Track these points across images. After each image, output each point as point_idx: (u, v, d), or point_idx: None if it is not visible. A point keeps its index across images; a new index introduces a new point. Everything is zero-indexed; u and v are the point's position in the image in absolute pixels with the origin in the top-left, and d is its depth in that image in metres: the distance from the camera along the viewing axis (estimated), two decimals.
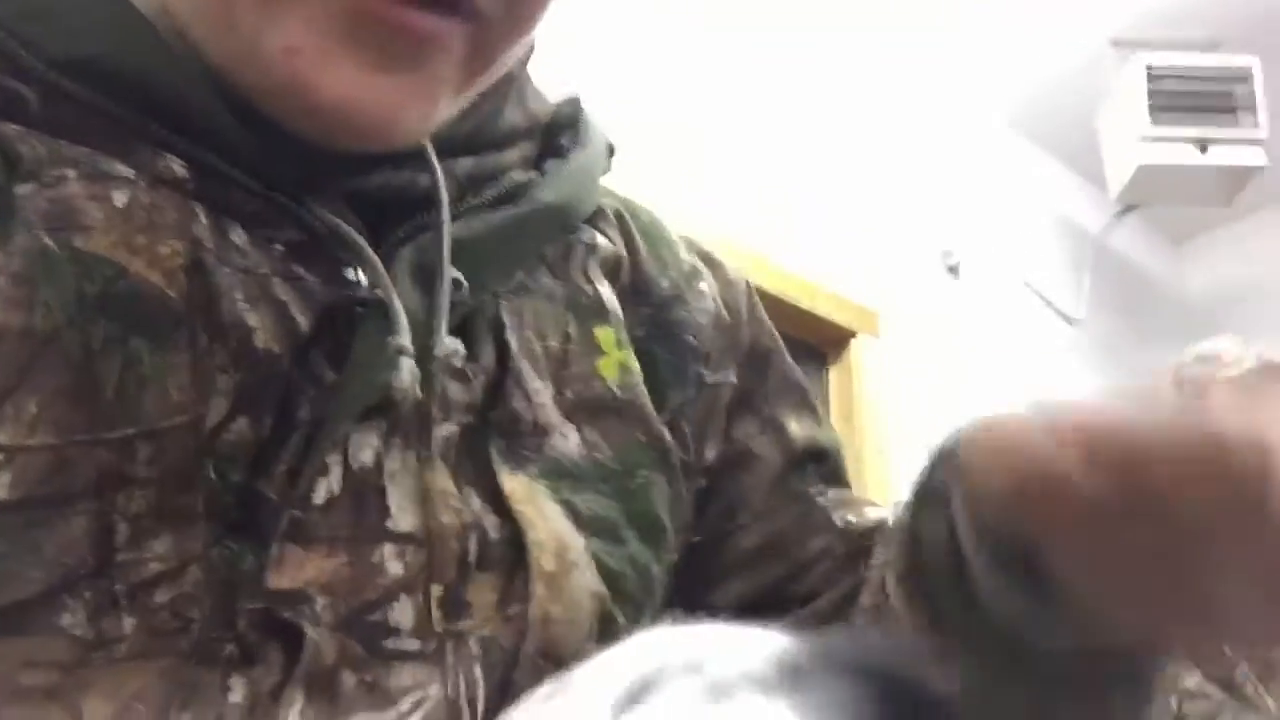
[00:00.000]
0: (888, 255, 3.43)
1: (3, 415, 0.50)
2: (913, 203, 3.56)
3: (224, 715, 0.50)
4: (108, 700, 0.49)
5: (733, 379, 0.78)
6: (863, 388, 3.28)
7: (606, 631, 0.62)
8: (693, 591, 0.75)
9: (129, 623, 0.50)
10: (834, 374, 3.34)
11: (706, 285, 0.79)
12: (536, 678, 0.56)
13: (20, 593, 0.49)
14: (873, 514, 0.77)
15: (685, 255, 0.80)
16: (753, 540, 0.77)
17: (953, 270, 3.64)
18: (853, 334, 3.31)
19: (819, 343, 3.30)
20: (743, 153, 3.06)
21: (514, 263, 0.69)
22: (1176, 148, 3.47)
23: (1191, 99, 3.48)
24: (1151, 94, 3.49)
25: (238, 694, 0.51)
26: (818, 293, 3.20)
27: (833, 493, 0.80)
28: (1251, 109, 3.44)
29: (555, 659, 0.58)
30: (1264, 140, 3.44)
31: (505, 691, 0.56)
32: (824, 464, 0.81)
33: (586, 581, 0.61)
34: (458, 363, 0.62)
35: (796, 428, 0.81)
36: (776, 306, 3.17)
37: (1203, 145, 3.44)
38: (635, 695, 0.42)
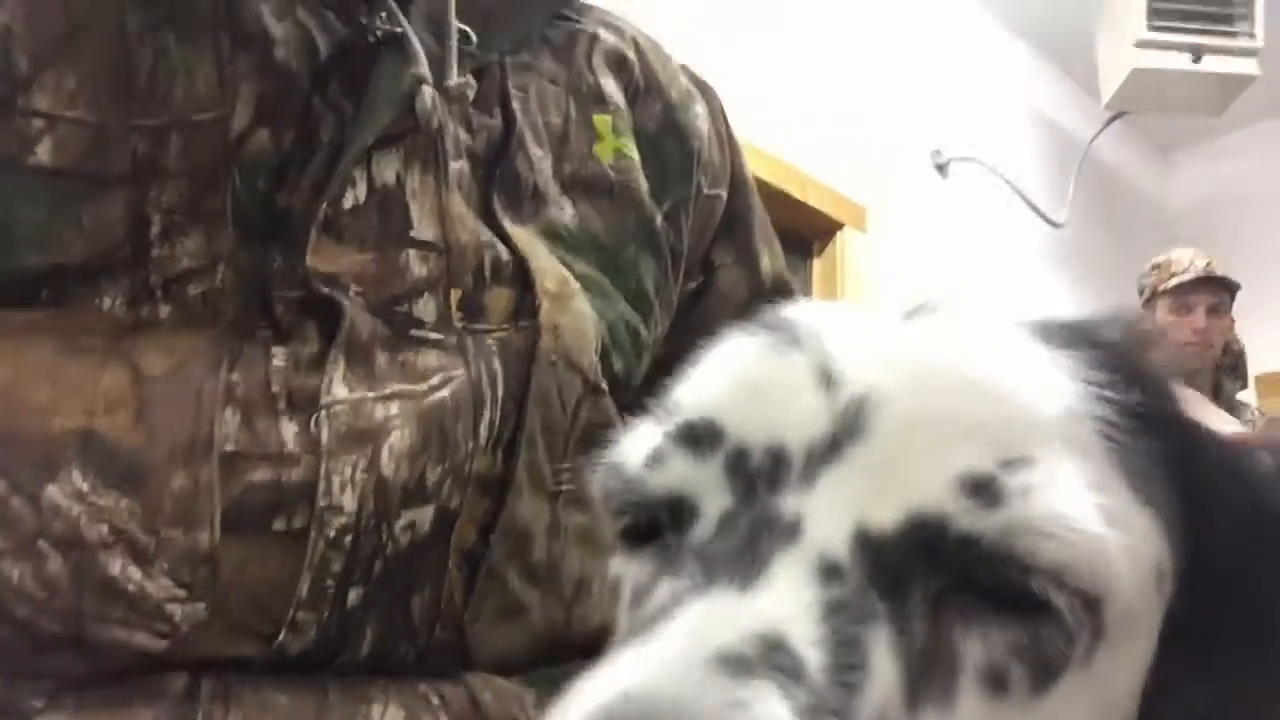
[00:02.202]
0: (878, 151, 3.44)
1: (44, 83, 0.56)
2: (904, 100, 3.56)
3: (270, 375, 0.57)
4: (164, 357, 0.55)
5: (724, 198, 0.84)
6: (846, 281, 3.34)
7: (606, 369, 0.69)
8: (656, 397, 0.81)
9: (165, 310, 0.57)
10: (818, 265, 3.39)
11: (702, 108, 0.85)
12: (553, 376, 0.64)
13: (62, 256, 0.56)
14: None
15: (684, 78, 0.86)
16: None
17: (941, 169, 3.67)
18: (840, 226, 3.35)
19: (806, 233, 3.34)
20: (737, 42, 3.05)
21: (519, 26, 0.74)
22: (1171, 55, 3.47)
23: (1189, 4, 3.47)
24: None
25: (280, 359, 0.57)
26: (808, 183, 3.23)
27: None
28: (1248, 18, 3.44)
29: (569, 362, 0.65)
30: (1258, 50, 3.45)
31: (525, 385, 0.63)
32: (787, 296, 0.88)
33: (587, 308, 0.68)
34: (470, 93, 0.67)
35: (768, 262, 0.88)
36: (766, 194, 3.17)
37: (1197, 53, 3.45)
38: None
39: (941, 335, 0.43)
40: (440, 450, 0.59)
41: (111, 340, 0.56)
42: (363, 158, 0.61)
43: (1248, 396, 3.37)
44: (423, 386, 0.59)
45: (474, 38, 0.69)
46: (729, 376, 0.44)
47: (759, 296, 0.86)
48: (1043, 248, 3.86)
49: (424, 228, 0.63)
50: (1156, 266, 3.18)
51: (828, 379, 0.41)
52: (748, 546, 0.38)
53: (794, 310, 0.46)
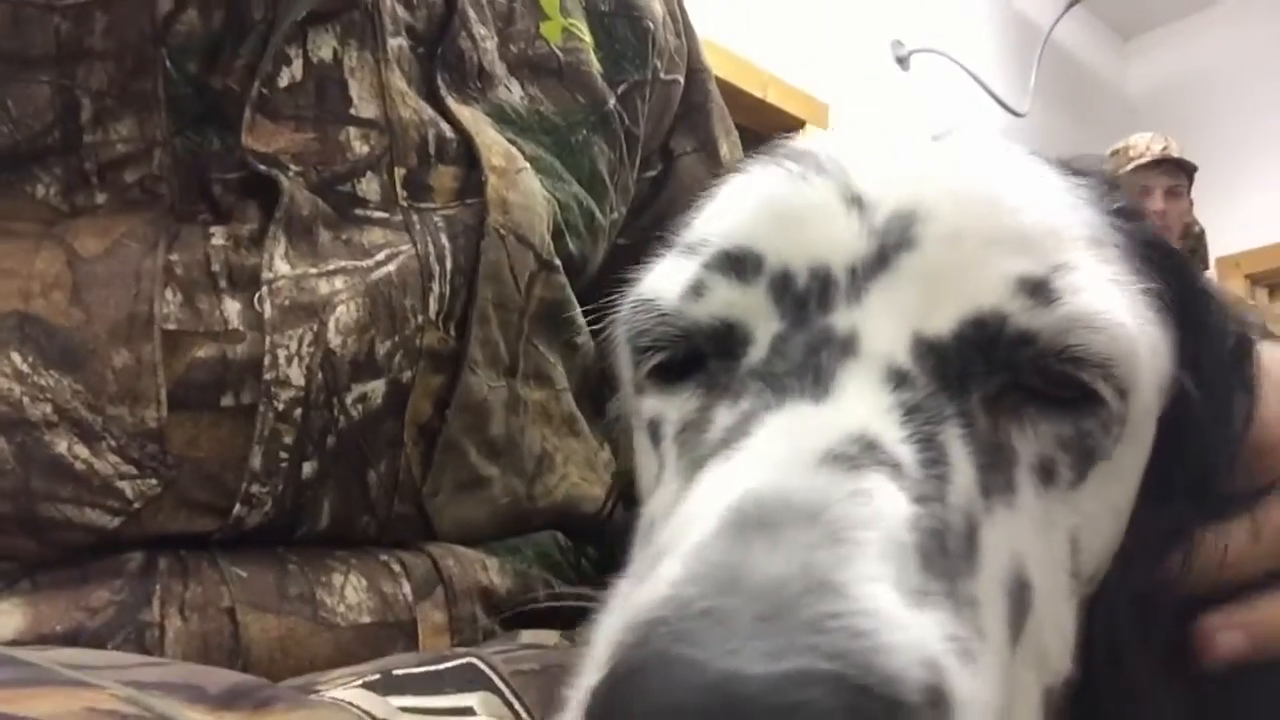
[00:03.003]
0: (838, 47, 3.40)
1: None
2: None
3: (210, 254, 0.56)
4: (99, 239, 0.54)
5: (682, 84, 0.83)
6: None
7: (560, 248, 0.68)
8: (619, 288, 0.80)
9: (101, 197, 0.55)
10: None
11: None
12: (503, 251, 0.63)
13: None
14: None
15: None
16: None
17: (902, 62, 3.63)
18: (802, 124, 3.32)
19: (768, 132, 3.30)
20: None
21: None
22: None
23: None
24: None
25: (220, 238, 0.56)
26: (769, 81, 3.18)
27: None
28: None
29: (519, 238, 0.64)
30: None
31: (474, 260, 0.62)
32: None
33: (536, 185, 0.67)
34: None
35: (727, 151, 0.86)
36: (726, 93, 3.14)
37: None
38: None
39: (960, 157, 0.45)
40: (388, 324, 0.58)
41: (45, 225, 0.54)
42: (296, 34, 0.60)
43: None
44: (368, 262, 0.58)
45: None
46: (758, 205, 0.45)
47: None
48: (1006, 138, 3.84)
49: (364, 105, 0.61)
50: (1115, 152, 3.18)
51: (859, 200, 0.42)
52: (810, 363, 0.39)
53: (805, 143, 0.46)
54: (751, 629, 0.28)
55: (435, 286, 0.60)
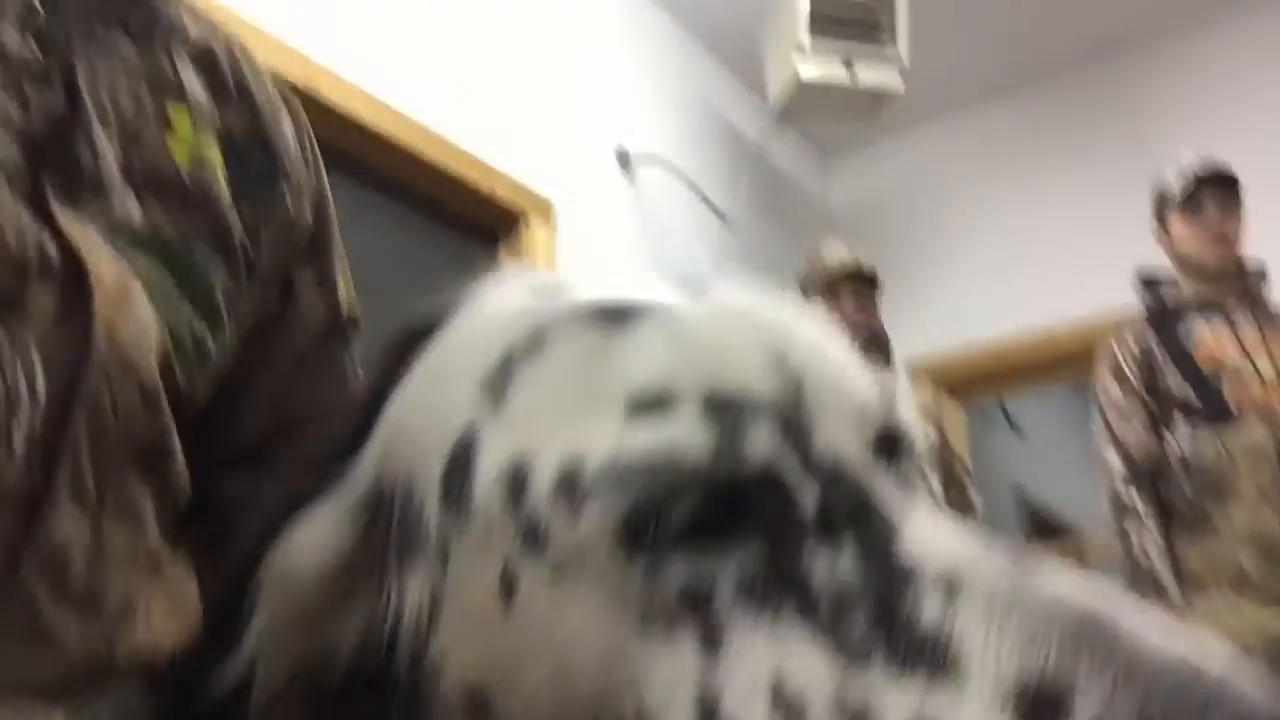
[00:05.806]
0: (562, 144, 3.49)
1: None
2: (587, 96, 3.63)
3: None
4: None
5: (309, 222, 0.81)
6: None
7: (167, 379, 0.64)
8: (215, 415, 0.75)
9: None
10: (505, 258, 3.39)
11: (289, 126, 0.81)
12: (105, 381, 0.58)
13: None
14: None
15: (271, 88, 0.82)
16: (282, 387, 0.80)
17: (624, 163, 3.76)
18: (524, 217, 3.36)
19: (492, 224, 3.32)
20: (423, 26, 3.00)
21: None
22: (831, 66, 3.74)
23: (845, 13, 3.75)
24: (813, 7, 3.73)
25: None
26: (494, 175, 3.21)
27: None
28: (892, 31, 3.76)
29: (125, 366, 0.60)
30: (901, 64, 3.78)
31: (72, 388, 0.57)
32: (358, 330, 0.86)
33: (149, 312, 0.63)
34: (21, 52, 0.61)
35: (344, 291, 0.85)
36: (452, 185, 3.14)
37: (849, 63, 3.73)
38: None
39: (744, 297, 0.53)
40: None
41: None
42: None
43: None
44: None
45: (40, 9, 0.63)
46: (693, 344, 0.48)
47: (336, 325, 0.84)
48: (718, 243, 4.05)
49: None
50: (812, 261, 3.45)
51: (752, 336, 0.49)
52: (859, 488, 0.46)
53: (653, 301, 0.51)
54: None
55: (23, 416, 0.55)
